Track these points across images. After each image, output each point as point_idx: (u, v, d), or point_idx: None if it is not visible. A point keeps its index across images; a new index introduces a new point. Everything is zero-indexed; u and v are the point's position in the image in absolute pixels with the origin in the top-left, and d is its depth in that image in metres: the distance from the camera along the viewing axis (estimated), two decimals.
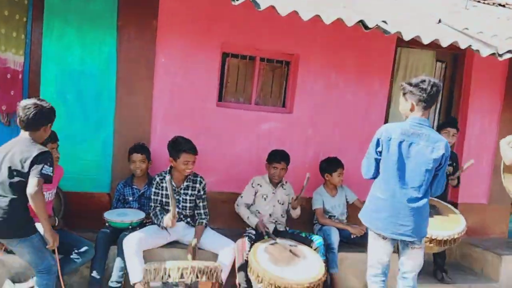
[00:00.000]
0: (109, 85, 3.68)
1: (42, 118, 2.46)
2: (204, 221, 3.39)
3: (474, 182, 4.71)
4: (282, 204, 3.72)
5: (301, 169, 3.97)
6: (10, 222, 2.28)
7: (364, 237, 3.71)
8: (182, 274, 2.64)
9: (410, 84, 2.61)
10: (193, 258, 3.02)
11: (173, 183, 3.24)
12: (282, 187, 3.73)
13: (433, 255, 4.09)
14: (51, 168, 2.38)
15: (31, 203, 2.32)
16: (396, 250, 2.82)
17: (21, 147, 2.39)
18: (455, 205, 4.59)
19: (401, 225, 2.59)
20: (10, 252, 2.94)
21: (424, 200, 2.61)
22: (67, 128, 3.52)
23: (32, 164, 2.32)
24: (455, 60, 4.84)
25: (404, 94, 2.65)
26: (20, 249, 2.39)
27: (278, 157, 3.64)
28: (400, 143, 2.55)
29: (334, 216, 3.90)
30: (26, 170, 2.32)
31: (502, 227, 4.88)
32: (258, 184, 3.65)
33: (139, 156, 3.54)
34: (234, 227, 3.92)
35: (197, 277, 2.65)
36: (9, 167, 2.33)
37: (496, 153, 4.76)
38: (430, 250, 3.62)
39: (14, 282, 2.88)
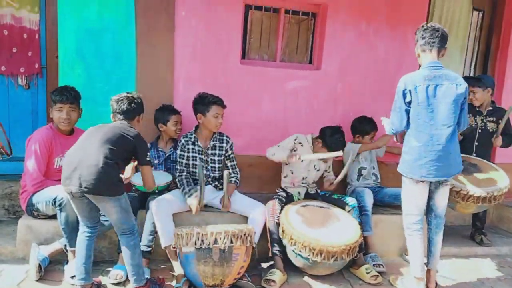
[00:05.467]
0: (129, 42, 3.49)
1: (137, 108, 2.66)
2: (234, 179, 3.28)
3: None
4: (318, 170, 3.54)
5: None
6: (105, 181, 2.39)
7: (398, 199, 3.59)
8: (215, 239, 2.54)
9: (415, 34, 2.78)
10: (226, 209, 3.02)
11: (204, 170, 3.03)
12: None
13: (472, 218, 3.96)
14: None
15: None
16: None
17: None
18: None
19: (442, 166, 2.70)
20: (38, 217, 2.92)
21: (455, 137, 2.74)
22: (87, 90, 3.38)
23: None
24: (493, 8, 4.50)
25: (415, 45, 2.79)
26: (109, 207, 2.45)
27: (338, 147, 3.31)
28: (427, 88, 2.64)
29: (365, 168, 3.74)
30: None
31: None
32: (300, 143, 3.42)
33: (179, 117, 3.46)
34: (262, 191, 3.81)
35: (231, 241, 2.55)
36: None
37: None
38: (467, 208, 3.44)
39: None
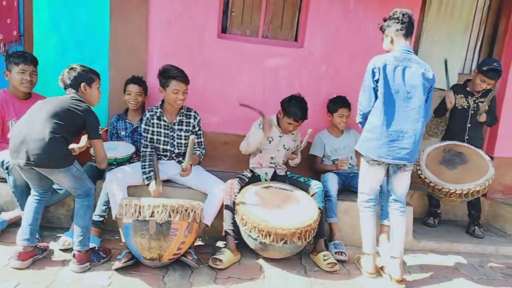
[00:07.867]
0: (103, 13, 3.47)
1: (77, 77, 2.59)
2: (198, 152, 3.22)
3: None
4: (287, 150, 3.41)
5: (312, 111, 3.55)
6: (52, 155, 2.39)
7: None
8: (153, 212, 2.47)
9: (384, 20, 2.75)
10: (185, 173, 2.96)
11: (157, 164, 3.02)
12: (291, 131, 3.40)
13: (467, 207, 3.80)
14: None
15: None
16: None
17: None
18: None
19: (401, 149, 2.64)
20: None
21: (422, 123, 2.66)
22: (61, 60, 3.40)
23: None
24: None
25: (383, 31, 2.77)
26: (60, 178, 2.48)
27: (299, 115, 3.20)
28: (395, 67, 2.61)
29: (337, 159, 3.57)
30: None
31: None
32: None
33: (135, 88, 3.38)
34: (236, 170, 3.72)
35: (169, 215, 2.48)
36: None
37: None
38: (453, 202, 3.37)
39: (1, 210, 2.91)
